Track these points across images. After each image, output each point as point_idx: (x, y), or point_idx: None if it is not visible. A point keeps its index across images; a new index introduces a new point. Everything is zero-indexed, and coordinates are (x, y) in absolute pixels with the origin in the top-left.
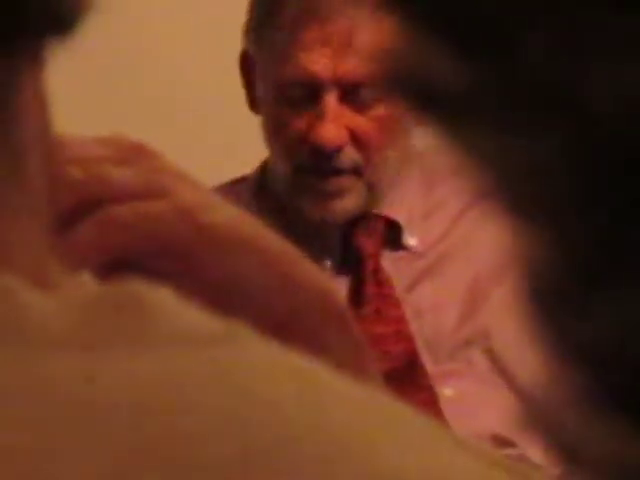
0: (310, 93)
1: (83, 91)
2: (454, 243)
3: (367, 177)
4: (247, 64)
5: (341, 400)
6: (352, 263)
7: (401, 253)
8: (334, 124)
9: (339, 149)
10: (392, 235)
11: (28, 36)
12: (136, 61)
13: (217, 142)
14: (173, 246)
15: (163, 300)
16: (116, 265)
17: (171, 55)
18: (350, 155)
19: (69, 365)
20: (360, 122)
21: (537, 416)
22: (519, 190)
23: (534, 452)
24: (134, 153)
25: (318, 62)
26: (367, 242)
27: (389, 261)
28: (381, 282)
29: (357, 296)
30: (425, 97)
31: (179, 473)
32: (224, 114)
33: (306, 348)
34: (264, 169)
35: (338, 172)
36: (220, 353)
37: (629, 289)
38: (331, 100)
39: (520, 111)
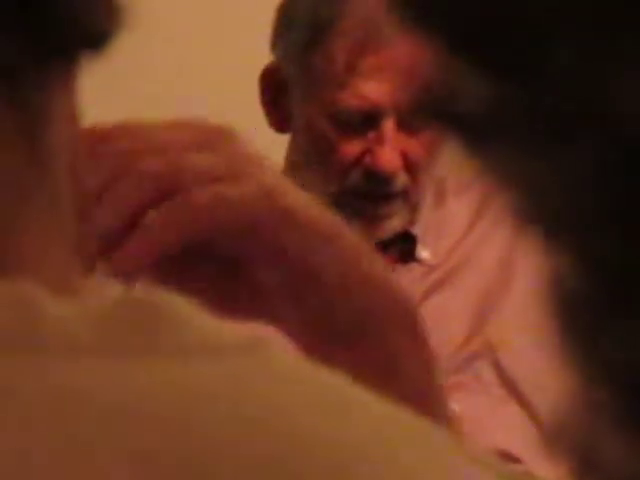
0: (367, 119)
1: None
2: (463, 257)
3: (412, 199)
4: (275, 83)
5: (364, 413)
6: None
7: (414, 266)
8: (392, 150)
9: (395, 175)
10: (406, 248)
11: (61, 52)
12: (145, 63)
13: None
14: (255, 229)
15: (183, 309)
16: (193, 252)
17: (181, 57)
18: (402, 180)
19: (88, 373)
20: (412, 147)
21: (555, 434)
22: (547, 208)
23: (540, 469)
24: (213, 136)
25: (378, 90)
26: (383, 255)
27: (401, 274)
28: None
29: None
30: (450, 118)
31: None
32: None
33: (374, 352)
34: None
35: (390, 196)
36: (243, 362)
37: None
38: (389, 126)
39: (547, 130)
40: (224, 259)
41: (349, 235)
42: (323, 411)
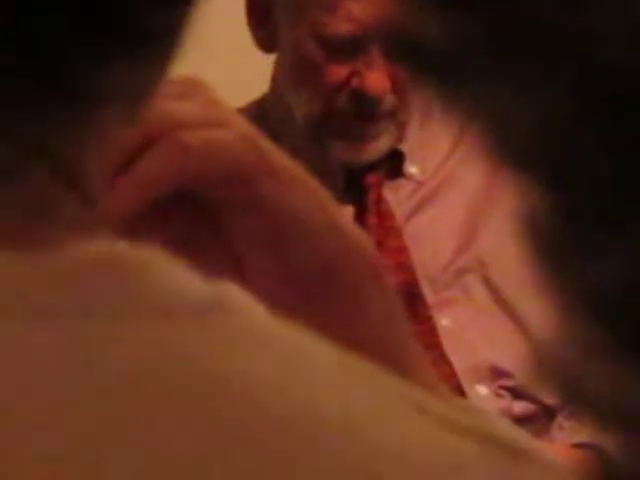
0: (355, 43)
1: None
2: (450, 174)
3: (399, 118)
4: (262, 3)
5: (316, 372)
6: (354, 193)
7: (402, 182)
8: (380, 73)
9: (383, 97)
10: (394, 165)
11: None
12: None
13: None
14: (238, 174)
15: (150, 264)
16: (178, 196)
17: None
18: (390, 101)
19: (53, 334)
20: (400, 69)
21: (541, 355)
22: (518, 140)
23: (531, 383)
24: (188, 87)
25: (368, 13)
26: (370, 172)
27: (389, 190)
28: (383, 213)
29: (359, 227)
30: (415, 55)
31: (146, 445)
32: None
33: (346, 298)
34: (262, 102)
35: (377, 117)
36: (204, 325)
37: (636, 228)
38: (378, 50)
39: (510, 61)
40: (199, 206)
41: (313, 181)
42: (278, 370)
